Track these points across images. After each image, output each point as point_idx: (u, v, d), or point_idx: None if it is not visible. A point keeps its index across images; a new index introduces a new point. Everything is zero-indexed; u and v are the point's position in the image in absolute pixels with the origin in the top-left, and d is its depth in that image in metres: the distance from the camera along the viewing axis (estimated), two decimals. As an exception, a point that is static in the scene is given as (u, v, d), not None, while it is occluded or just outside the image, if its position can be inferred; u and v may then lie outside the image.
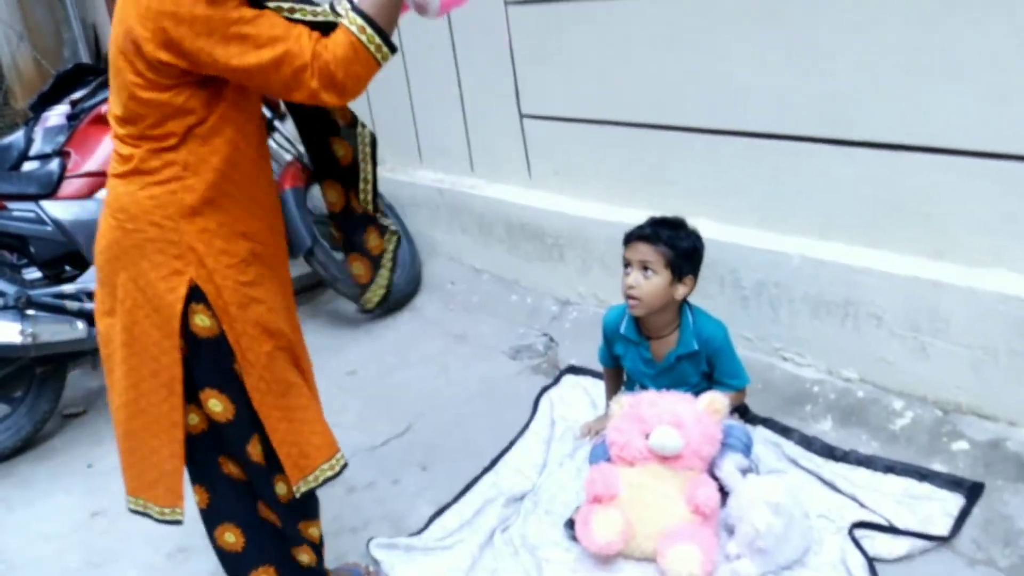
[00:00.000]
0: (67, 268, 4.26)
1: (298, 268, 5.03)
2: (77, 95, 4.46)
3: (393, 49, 2.19)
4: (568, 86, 4.01)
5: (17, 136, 4.45)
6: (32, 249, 4.12)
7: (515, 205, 4.41)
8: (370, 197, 2.65)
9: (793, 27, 3.08)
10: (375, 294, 2.82)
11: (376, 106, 5.31)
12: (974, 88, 2.68)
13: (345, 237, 2.74)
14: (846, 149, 3.06)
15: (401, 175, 5.17)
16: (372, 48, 2.14)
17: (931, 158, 2.84)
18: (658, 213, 3.08)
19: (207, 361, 2.31)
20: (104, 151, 4.19)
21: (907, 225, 2.96)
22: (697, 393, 2.88)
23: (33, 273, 4.35)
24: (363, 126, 2.57)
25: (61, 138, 4.32)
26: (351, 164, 2.60)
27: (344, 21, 2.14)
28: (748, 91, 3.28)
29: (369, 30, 2.13)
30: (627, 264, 2.95)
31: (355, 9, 2.16)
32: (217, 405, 2.33)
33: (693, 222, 3.00)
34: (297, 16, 2.17)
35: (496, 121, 4.46)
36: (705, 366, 3.00)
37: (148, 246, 2.24)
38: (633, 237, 2.95)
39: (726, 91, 3.36)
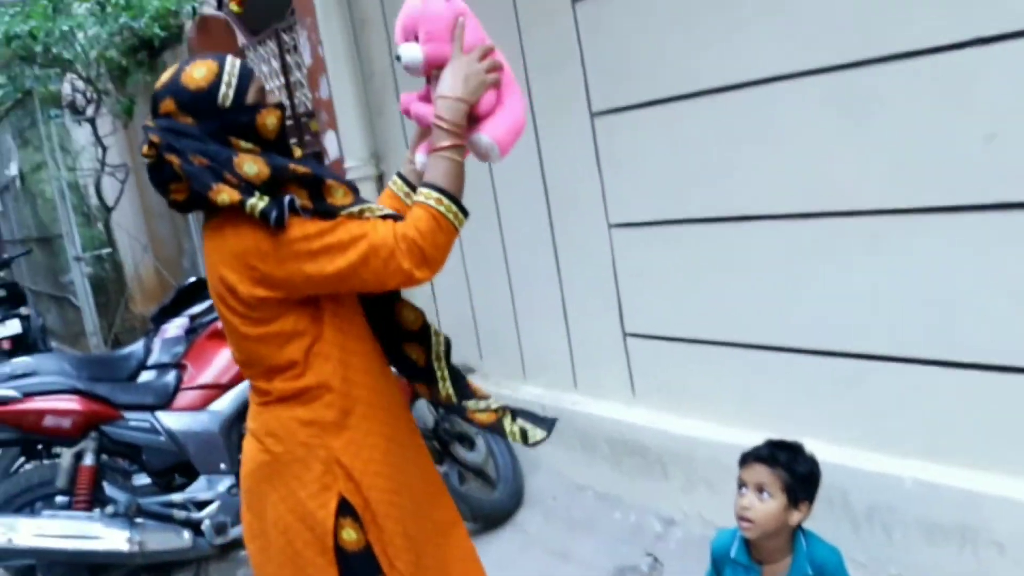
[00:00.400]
0: (176, 477, 4.35)
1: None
2: (196, 309, 4.66)
3: (467, 213, 2.28)
4: (672, 306, 4.07)
5: (137, 346, 4.64)
6: (144, 457, 4.24)
7: (618, 422, 4.41)
8: (451, 390, 2.62)
9: (894, 252, 3.13)
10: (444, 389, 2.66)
11: (480, 320, 5.42)
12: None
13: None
14: (956, 371, 3.04)
15: (505, 389, 5.21)
16: (451, 216, 2.24)
17: (1046, 382, 2.81)
18: (765, 433, 3.05)
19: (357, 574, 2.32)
20: (218, 364, 4.34)
21: (1025, 449, 2.90)
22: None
23: (143, 479, 4.45)
24: (436, 333, 2.58)
25: (179, 350, 4.50)
26: (426, 365, 2.59)
27: (419, 197, 2.24)
28: (850, 312, 3.30)
29: (446, 200, 2.23)
30: (742, 485, 2.90)
31: (426, 184, 2.26)
32: None
33: (800, 442, 2.97)
34: (367, 215, 2.26)
35: (599, 339, 4.52)
36: (818, 592, 2.91)
37: (296, 465, 2.29)
38: (750, 458, 2.92)
39: (827, 313, 3.38)
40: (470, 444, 4.91)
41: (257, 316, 2.25)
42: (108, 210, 10.52)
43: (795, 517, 2.85)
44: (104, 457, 4.21)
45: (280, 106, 2.33)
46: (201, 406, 4.32)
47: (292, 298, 2.24)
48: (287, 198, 2.16)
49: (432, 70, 2.45)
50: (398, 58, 2.43)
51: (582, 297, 4.61)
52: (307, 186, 2.24)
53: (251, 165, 2.18)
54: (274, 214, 2.13)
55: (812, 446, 3.03)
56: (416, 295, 5.97)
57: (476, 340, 5.42)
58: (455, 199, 2.26)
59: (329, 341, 2.30)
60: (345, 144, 6.17)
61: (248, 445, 2.39)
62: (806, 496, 2.87)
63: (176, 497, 4.18)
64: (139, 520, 4.06)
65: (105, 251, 10.33)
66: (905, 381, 3.19)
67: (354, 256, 2.17)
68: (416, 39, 2.42)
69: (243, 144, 2.22)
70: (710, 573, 3.13)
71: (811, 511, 2.89)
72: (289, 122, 7.48)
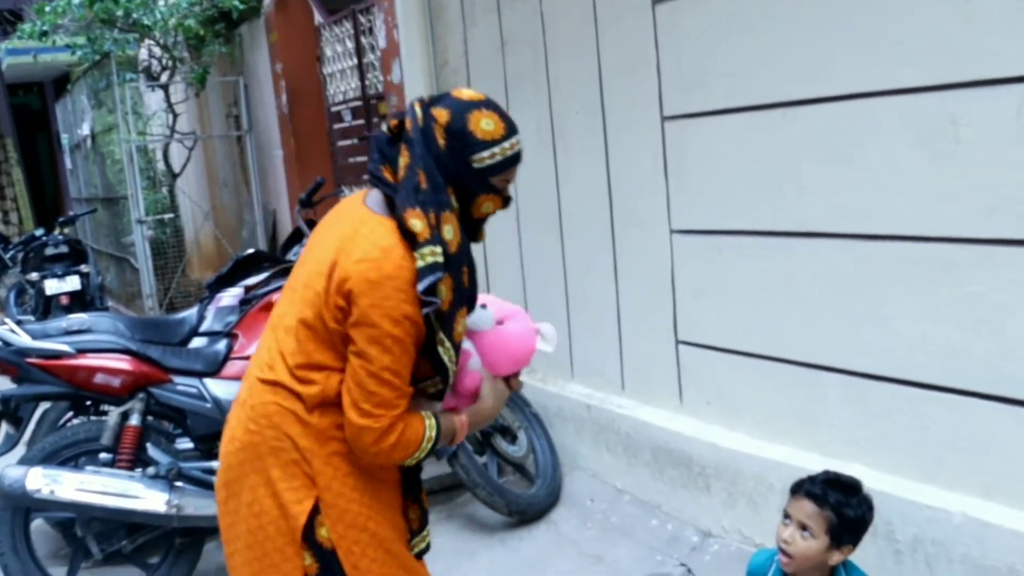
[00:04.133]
0: (218, 444, 4.36)
1: (439, 468, 5.06)
2: (251, 281, 4.67)
3: (428, 456, 2.35)
4: (727, 317, 4.02)
5: (191, 312, 4.67)
6: (189, 422, 4.26)
7: (663, 430, 4.37)
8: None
9: (964, 281, 3.06)
10: None
11: (534, 314, 5.39)
12: None
13: None
14: (1017, 408, 2.97)
15: (551, 386, 5.20)
16: (419, 453, 2.32)
17: (1110, 428, 2.73)
18: (812, 454, 3.00)
19: (337, 570, 2.34)
20: (270, 337, 4.35)
21: (1081, 495, 2.83)
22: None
23: (186, 444, 4.48)
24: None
25: (232, 319, 4.52)
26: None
27: (430, 421, 2.32)
28: (915, 340, 3.24)
29: (428, 447, 2.31)
30: (786, 516, 2.85)
31: (439, 420, 2.35)
32: None
33: (849, 468, 2.92)
34: (433, 389, 2.39)
35: (651, 344, 4.49)
36: (853, 624, 2.85)
37: (284, 455, 2.31)
38: (801, 491, 2.85)
39: (892, 338, 3.32)
40: (512, 437, 4.90)
41: (339, 319, 2.26)
42: (174, 176, 10.63)
43: (835, 558, 2.78)
44: (150, 419, 4.24)
45: (507, 200, 2.41)
46: (249, 377, 4.34)
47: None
48: (439, 276, 2.21)
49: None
50: (483, 306, 2.51)
51: (637, 300, 4.57)
52: (455, 293, 2.29)
53: (449, 229, 2.24)
54: (427, 280, 2.19)
55: (859, 472, 2.99)
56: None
57: (527, 335, 5.40)
58: (435, 445, 2.33)
59: None
60: (412, 129, 6.17)
61: (237, 419, 2.40)
62: (851, 540, 2.79)
63: (216, 464, 4.19)
64: (179, 484, 4.08)
65: (168, 216, 10.41)
66: (964, 414, 3.13)
67: (370, 386, 2.22)
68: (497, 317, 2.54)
69: (453, 202, 2.28)
70: (747, 591, 3.09)
71: (854, 551, 2.82)
72: (359, 103, 7.51)
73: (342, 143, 8.16)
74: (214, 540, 4.76)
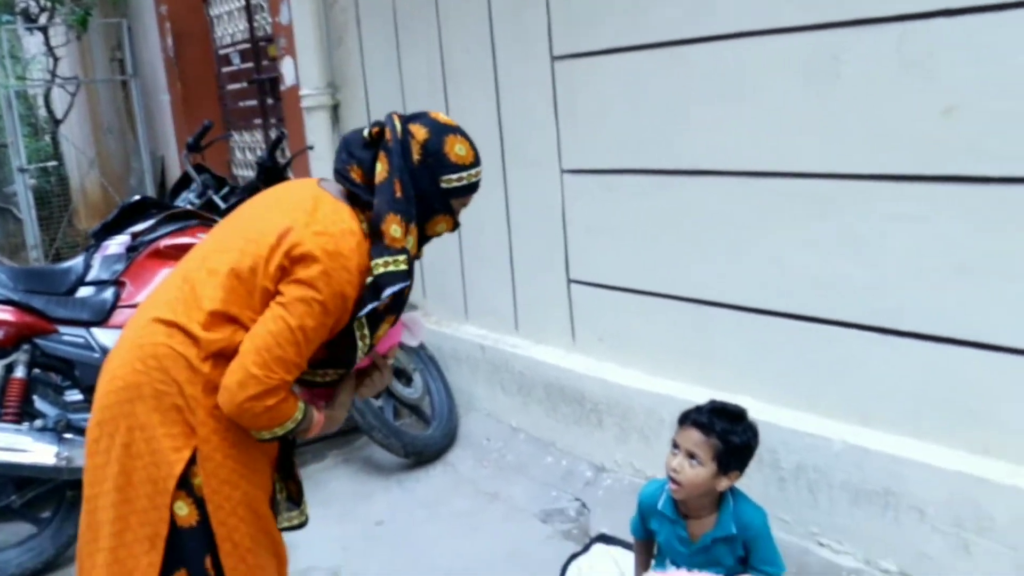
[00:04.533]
0: (108, 393, 4.29)
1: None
2: (138, 227, 4.56)
3: (272, 439, 2.35)
4: (618, 255, 4.07)
5: (76, 261, 4.55)
6: (78, 373, 4.16)
7: (557, 368, 4.42)
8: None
9: (844, 216, 3.14)
10: None
11: (426, 258, 5.37)
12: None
13: None
14: (893, 338, 3.07)
15: (445, 328, 5.21)
16: (279, 430, 2.31)
17: (978, 353, 2.84)
18: (701, 388, 3.07)
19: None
20: (158, 284, 4.26)
21: (953, 419, 2.94)
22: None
23: (75, 396, 4.39)
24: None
25: (119, 267, 4.41)
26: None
27: (302, 405, 2.34)
28: (797, 274, 3.32)
29: (291, 427, 2.32)
30: (675, 445, 2.92)
31: (308, 409, 2.37)
32: None
33: (734, 398, 2.99)
34: (320, 379, 2.47)
35: (544, 284, 4.52)
36: (741, 550, 2.93)
37: (167, 400, 2.28)
38: (688, 421, 2.92)
39: (774, 272, 3.40)
40: (407, 380, 4.91)
41: (276, 287, 2.27)
42: (56, 123, 10.31)
43: (723, 484, 2.87)
44: (36, 371, 4.14)
45: (457, 224, 2.55)
46: (138, 324, 4.26)
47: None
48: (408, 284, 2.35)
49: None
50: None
51: (529, 240, 4.59)
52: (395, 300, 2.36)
53: (411, 241, 2.37)
54: (397, 285, 2.31)
55: (745, 403, 3.05)
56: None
57: (420, 277, 5.40)
58: (296, 431, 2.35)
59: None
60: (302, 71, 6.08)
61: (121, 358, 2.34)
62: (737, 466, 2.88)
63: (107, 414, 4.13)
64: (68, 436, 4.00)
65: (51, 164, 10.12)
66: (844, 346, 3.22)
67: (267, 342, 2.21)
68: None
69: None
70: (636, 520, 3.16)
71: (740, 478, 2.91)
72: (247, 46, 7.37)
73: (231, 87, 8.01)
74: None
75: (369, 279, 2.31)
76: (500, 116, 4.57)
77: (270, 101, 7.34)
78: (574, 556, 3.62)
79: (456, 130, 2.45)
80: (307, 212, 2.31)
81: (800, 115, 3.23)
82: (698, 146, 3.61)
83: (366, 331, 2.35)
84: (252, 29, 7.32)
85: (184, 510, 2.29)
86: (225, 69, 8.03)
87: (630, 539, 3.32)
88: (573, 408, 4.34)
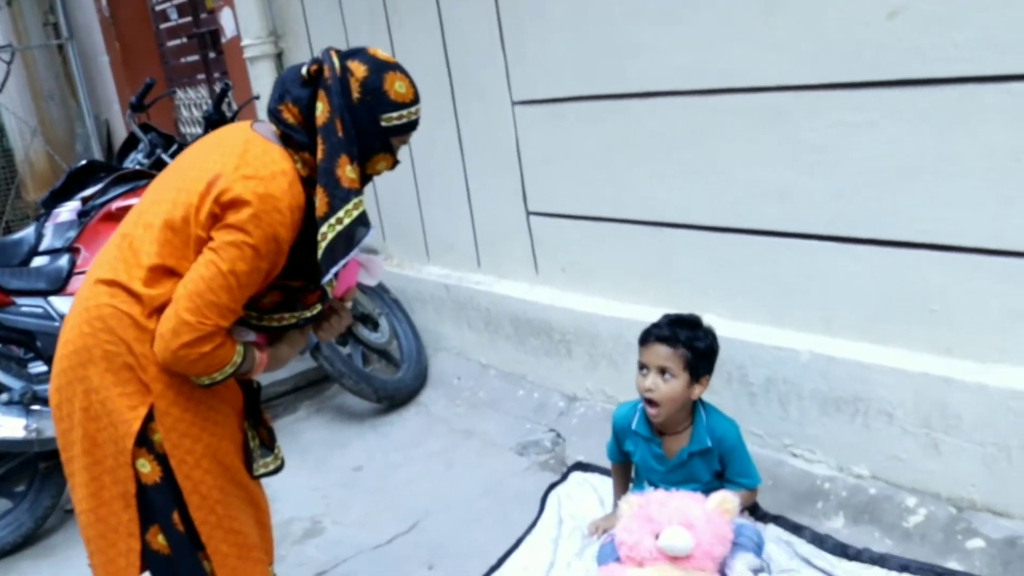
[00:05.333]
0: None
1: (304, 363, 5.04)
2: (88, 192, 4.49)
3: (212, 384, 2.31)
4: (574, 184, 4.05)
5: (28, 232, 4.48)
6: (39, 344, 4.11)
7: (522, 301, 4.42)
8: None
9: (796, 128, 3.13)
10: None
11: (384, 201, 5.35)
12: (979, 188, 2.72)
13: None
14: (851, 246, 3.09)
15: (408, 270, 5.19)
16: (218, 375, 2.29)
17: (937, 255, 2.87)
18: (665, 310, 3.08)
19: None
20: (113, 247, 4.21)
21: (915, 322, 2.97)
22: (708, 492, 2.85)
23: (39, 367, 4.34)
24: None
25: (71, 234, 4.35)
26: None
27: (239, 347, 2.31)
28: (752, 189, 3.32)
29: (230, 371, 2.30)
30: (643, 366, 2.93)
31: (247, 350, 2.35)
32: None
33: (697, 315, 3.01)
34: (277, 323, 2.46)
35: (503, 218, 4.50)
36: (717, 464, 2.98)
37: (117, 360, 2.27)
38: (651, 338, 2.94)
39: (730, 189, 3.40)
40: (373, 325, 4.90)
41: (208, 235, 2.23)
42: (-6, 92, 10.09)
43: (696, 391, 2.90)
44: (-3, 345, 4.10)
45: (396, 163, 2.51)
46: (96, 290, 4.21)
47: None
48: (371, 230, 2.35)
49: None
50: None
51: (485, 176, 4.57)
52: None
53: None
54: (369, 232, 2.32)
55: (711, 321, 3.08)
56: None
57: (379, 221, 5.37)
58: (236, 373, 2.33)
59: None
60: (242, 22, 5.98)
61: (71, 322, 2.34)
62: (707, 371, 2.92)
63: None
64: (36, 407, 3.97)
65: (-8, 135, 9.95)
66: (804, 257, 3.24)
67: (198, 287, 2.18)
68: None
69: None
70: (611, 444, 3.19)
71: (710, 381, 2.94)
72: (183, 0, 7.23)
73: (171, 43, 7.87)
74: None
75: (333, 232, 2.26)
76: (447, 52, 4.52)
77: (212, 55, 7.21)
78: (553, 486, 3.67)
79: (396, 67, 2.40)
80: (236, 156, 2.27)
81: (746, 29, 3.20)
82: (645, 68, 3.58)
83: (334, 281, 2.35)
84: (187, -19, 7.18)
85: (147, 467, 2.30)
86: (163, 25, 7.88)
87: (607, 465, 3.36)
88: (541, 340, 4.35)
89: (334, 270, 2.29)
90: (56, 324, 4.09)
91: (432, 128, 4.67)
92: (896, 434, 3.01)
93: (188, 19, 7.40)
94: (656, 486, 2.98)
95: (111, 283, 2.27)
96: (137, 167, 4.73)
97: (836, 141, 3.03)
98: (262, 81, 5.89)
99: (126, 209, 4.15)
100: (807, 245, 3.21)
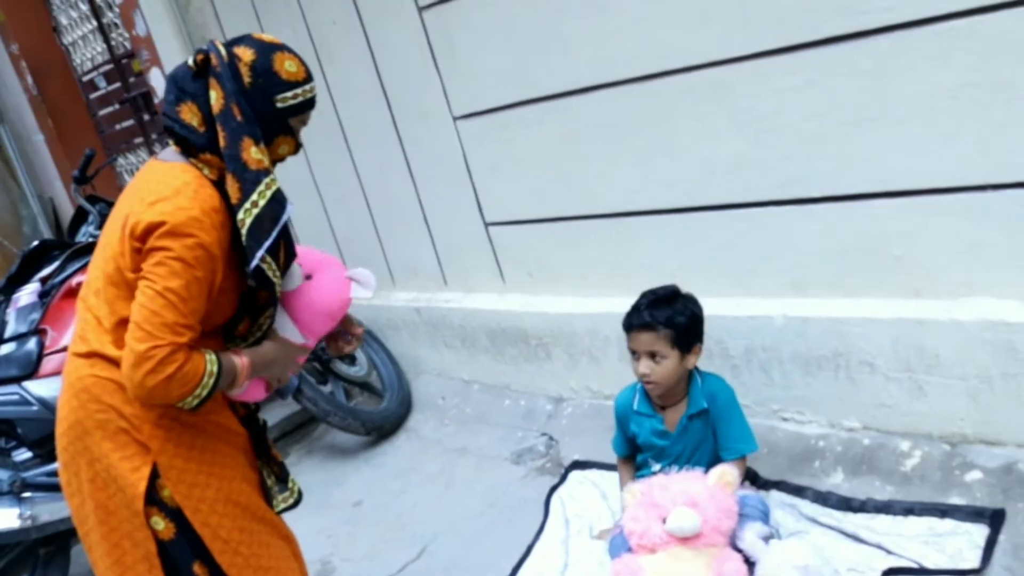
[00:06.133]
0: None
1: (288, 407, 5.03)
2: (45, 272, 4.47)
3: (201, 403, 2.24)
4: (528, 189, 4.07)
5: (-10, 321, 4.44)
6: (20, 431, 4.08)
7: (494, 312, 4.43)
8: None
9: (736, 98, 3.17)
10: None
11: (341, 234, 5.36)
12: (922, 131, 2.77)
13: None
14: (808, 207, 3.13)
15: (376, 300, 5.19)
16: (201, 391, 2.20)
17: (892, 202, 2.91)
18: (635, 298, 3.10)
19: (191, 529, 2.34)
20: (80, 322, 4.18)
21: (881, 270, 3.01)
22: (707, 468, 2.88)
23: (23, 454, 4.30)
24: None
25: (35, 316, 4.32)
26: None
27: (211, 356, 2.23)
28: (704, 165, 3.35)
29: (211, 383, 2.22)
30: (633, 352, 2.96)
31: (220, 357, 2.27)
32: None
33: (674, 286, 3.04)
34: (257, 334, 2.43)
35: (462, 234, 4.51)
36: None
37: (110, 426, 2.28)
38: (633, 327, 2.97)
39: (682, 169, 3.43)
40: (351, 360, 4.90)
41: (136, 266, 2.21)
42: (-67, 188, 9.99)
43: (691, 361, 2.95)
44: (-23, 439, 4.07)
45: (299, 145, 2.46)
46: (69, 368, 4.18)
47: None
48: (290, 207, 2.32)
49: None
50: None
51: (438, 195, 4.58)
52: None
53: (267, 160, 2.31)
54: (288, 210, 2.30)
55: (684, 300, 3.11)
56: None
57: (339, 255, 5.36)
58: (216, 388, 2.25)
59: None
60: (172, 79, 5.94)
61: (62, 400, 2.36)
62: (696, 339, 2.96)
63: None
64: (27, 495, 3.94)
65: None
66: (764, 224, 3.27)
67: (155, 305, 2.14)
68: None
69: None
70: (617, 436, 3.21)
71: (703, 348, 2.97)
72: (110, 66, 7.19)
73: (103, 112, 7.82)
74: (79, 542, 4.65)
75: (251, 216, 2.24)
76: (381, 78, 4.53)
77: (146, 116, 7.18)
78: (554, 488, 3.68)
79: (283, 47, 2.36)
80: (139, 190, 2.25)
81: (672, 9, 3.23)
82: (580, 64, 3.61)
83: (272, 264, 2.31)
84: (111, 48, 7.13)
85: (160, 524, 2.31)
86: (93, 95, 7.83)
87: (604, 459, 3.38)
88: (519, 348, 4.36)
89: (260, 253, 2.24)
90: (35, 408, 4.06)
91: (379, 155, 4.70)
92: (880, 382, 3.05)
93: (117, 85, 7.36)
94: (663, 465, 3.01)
95: (85, 355, 2.29)
96: (90, 239, 4.70)
97: (778, 106, 3.07)
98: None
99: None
100: (765, 212, 3.25)
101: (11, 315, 4.40)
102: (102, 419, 2.27)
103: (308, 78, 2.38)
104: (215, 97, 2.25)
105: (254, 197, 2.24)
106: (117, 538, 2.32)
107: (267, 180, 2.26)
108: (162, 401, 2.18)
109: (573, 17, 3.55)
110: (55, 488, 3.96)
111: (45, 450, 4.16)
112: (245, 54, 2.30)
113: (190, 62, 2.31)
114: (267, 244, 2.25)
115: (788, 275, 3.27)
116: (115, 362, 2.24)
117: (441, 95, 4.25)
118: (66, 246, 4.61)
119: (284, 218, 2.28)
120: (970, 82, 2.63)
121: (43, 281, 4.43)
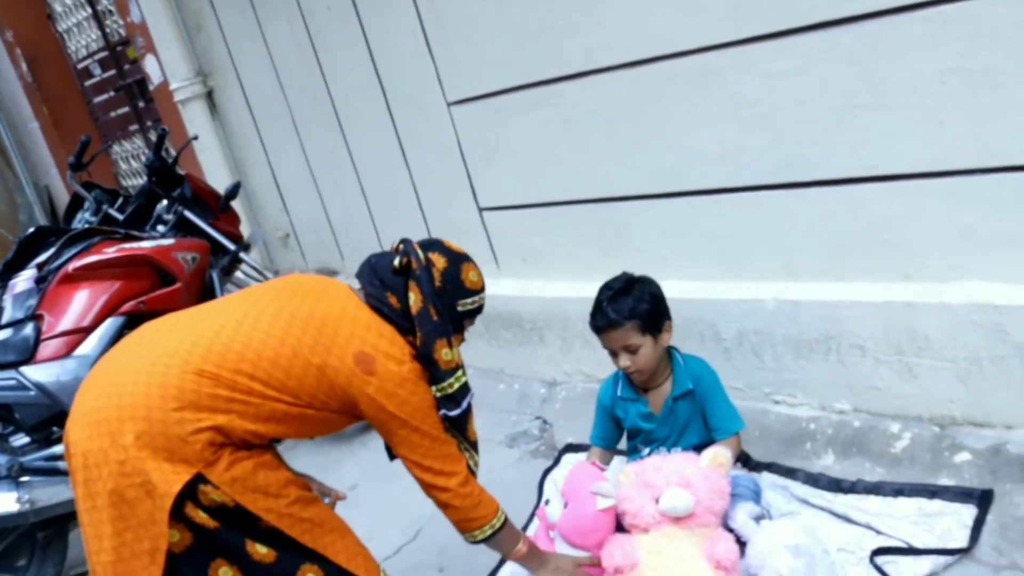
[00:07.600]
0: (55, 429, 4.24)
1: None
2: (42, 258, 4.47)
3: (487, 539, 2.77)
4: (521, 174, 4.09)
5: (-14, 308, 4.45)
6: (18, 416, 4.09)
7: (488, 297, 4.42)
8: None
9: (727, 83, 3.19)
10: None
11: (337, 222, 5.37)
12: (911, 116, 2.79)
13: None
14: (799, 191, 3.15)
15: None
16: (487, 528, 2.77)
17: (881, 186, 2.93)
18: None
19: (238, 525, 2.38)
20: (77, 308, 4.19)
21: (871, 253, 3.04)
22: (699, 449, 2.90)
23: (21, 439, 4.32)
24: None
25: (32, 302, 4.33)
26: None
27: (502, 510, 2.80)
28: (695, 150, 3.37)
29: (498, 524, 2.79)
30: (610, 350, 2.99)
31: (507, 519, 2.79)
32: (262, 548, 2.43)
33: (663, 284, 3.05)
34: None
35: (457, 219, 4.53)
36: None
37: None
38: (601, 329, 2.99)
39: (674, 154, 3.45)
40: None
41: (298, 400, 2.48)
42: (-73, 175, 9.99)
43: (665, 338, 2.97)
44: (-26, 425, 4.09)
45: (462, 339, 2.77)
46: (66, 353, 4.18)
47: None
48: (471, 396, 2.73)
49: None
50: (547, 501, 3.15)
51: (433, 180, 4.60)
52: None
53: (458, 352, 2.64)
54: (467, 400, 2.69)
55: (675, 285, 3.15)
56: (266, 207, 5.87)
57: (335, 243, 5.39)
58: (492, 535, 2.76)
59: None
60: (167, 66, 5.98)
61: (137, 380, 2.33)
62: (664, 318, 2.97)
63: (58, 449, 4.07)
64: (25, 479, 3.95)
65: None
66: (755, 208, 3.29)
67: (437, 466, 2.70)
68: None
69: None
70: (596, 426, 3.24)
71: (672, 324, 2.99)
72: (104, 53, 7.20)
73: (98, 99, 7.84)
74: (78, 527, 4.66)
75: (439, 394, 2.58)
76: (376, 66, 4.54)
77: (142, 103, 7.19)
78: (547, 471, 3.70)
79: (468, 258, 2.67)
80: (354, 337, 2.46)
81: (663, -4, 3.26)
82: (573, 49, 3.62)
83: (460, 438, 2.75)
84: (105, 35, 7.14)
85: (176, 536, 2.31)
86: (88, 82, 7.84)
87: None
88: (513, 332, 4.39)
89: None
90: (32, 393, 4.07)
91: (373, 141, 4.72)
92: (870, 365, 3.07)
93: (112, 72, 7.37)
94: (651, 447, 3.04)
95: (201, 373, 2.32)
96: (86, 226, 4.71)
97: (768, 92, 3.09)
98: (196, 121, 5.89)
99: (84, 267, 4.15)
100: (756, 197, 3.27)
101: (8, 301, 4.41)
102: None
103: (484, 287, 2.71)
104: (414, 299, 2.52)
105: (449, 380, 2.59)
106: (123, 526, 2.27)
107: (457, 373, 2.60)
108: (472, 516, 2.77)
109: (566, 3, 3.56)
110: (53, 472, 3.99)
111: (43, 434, 4.18)
112: (439, 261, 2.60)
113: (396, 262, 2.57)
114: (452, 414, 2.65)
115: (779, 259, 3.29)
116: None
117: (435, 81, 4.26)
118: (62, 232, 4.62)
119: (468, 400, 2.70)
120: (959, 67, 2.65)
121: (40, 267, 4.44)
